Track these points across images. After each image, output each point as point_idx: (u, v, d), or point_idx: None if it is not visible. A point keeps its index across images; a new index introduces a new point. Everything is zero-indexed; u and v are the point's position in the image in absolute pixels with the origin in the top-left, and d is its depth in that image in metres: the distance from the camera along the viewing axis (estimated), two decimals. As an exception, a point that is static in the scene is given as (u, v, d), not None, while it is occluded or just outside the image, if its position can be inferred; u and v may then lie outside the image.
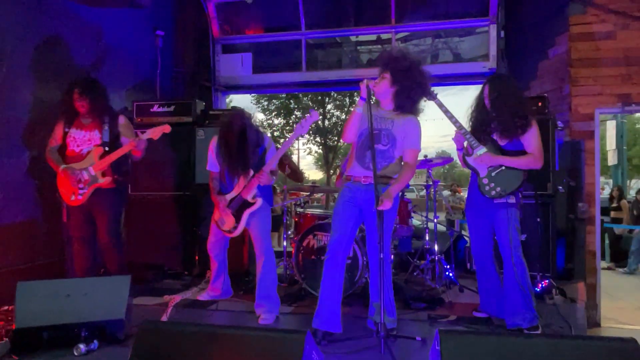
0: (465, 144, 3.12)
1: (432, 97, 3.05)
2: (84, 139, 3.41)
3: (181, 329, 1.92)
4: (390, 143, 2.88)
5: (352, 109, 2.90)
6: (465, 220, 3.53)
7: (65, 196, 3.37)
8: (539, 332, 2.93)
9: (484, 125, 3.08)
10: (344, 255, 2.89)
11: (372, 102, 2.86)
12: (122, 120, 3.55)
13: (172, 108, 4.76)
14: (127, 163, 3.63)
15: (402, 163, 2.92)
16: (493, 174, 3.03)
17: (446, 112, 3.07)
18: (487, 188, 3.03)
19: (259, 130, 3.47)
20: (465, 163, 3.14)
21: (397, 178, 2.85)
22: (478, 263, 3.25)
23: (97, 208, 3.40)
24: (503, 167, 3.01)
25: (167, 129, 3.39)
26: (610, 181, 10.34)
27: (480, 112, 3.12)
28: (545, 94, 4.36)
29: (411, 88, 2.85)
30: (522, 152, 3.02)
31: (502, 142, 3.06)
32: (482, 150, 3.04)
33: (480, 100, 3.13)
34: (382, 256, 2.60)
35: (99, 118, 3.43)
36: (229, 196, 3.39)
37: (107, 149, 3.36)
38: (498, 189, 3.00)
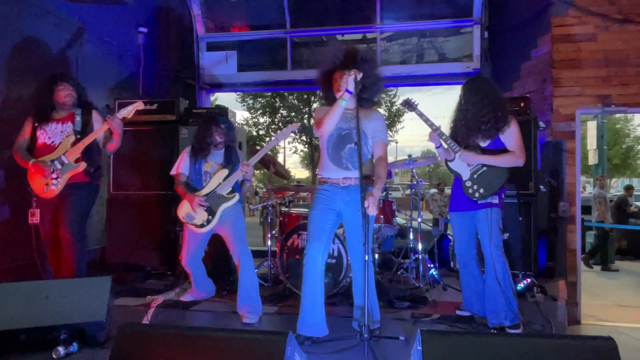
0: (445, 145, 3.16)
1: (413, 107, 3.18)
2: (56, 131, 3.31)
3: (160, 332, 1.89)
4: (362, 141, 2.81)
5: (336, 103, 2.78)
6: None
7: (37, 189, 3.22)
8: (520, 330, 2.96)
9: (463, 127, 3.11)
10: (322, 259, 2.84)
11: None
12: (95, 114, 3.46)
13: (155, 106, 4.71)
14: (100, 158, 3.47)
15: (375, 159, 2.89)
16: (475, 176, 3.07)
17: (426, 120, 3.16)
18: (470, 191, 3.06)
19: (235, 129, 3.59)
20: (449, 169, 3.19)
21: (376, 176, 2.81)
22: (461, 262, 3.28)
23: (64, 202, 3.24)
24: (484, 168, 3.05)
25: (140, 105, 3.36)
26: (591, 180, 10.50)
27: (459, 115, 3.16)
28: (528, 95, 4.42)
29: (377, 85, 2.92)
30: (503, 150, 3.06)
31: (483, 144, 3.09)
32: (461, 152, 3.08)
33: (459, 104, 3.19)
34: (367, 258, 2.58)
35: (75, 110, 3.35)
36: (204, 191, 3.38)
37: (79, 137, 3.28)
38: (481, 190, 3.03)
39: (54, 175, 3.19)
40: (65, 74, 3.47)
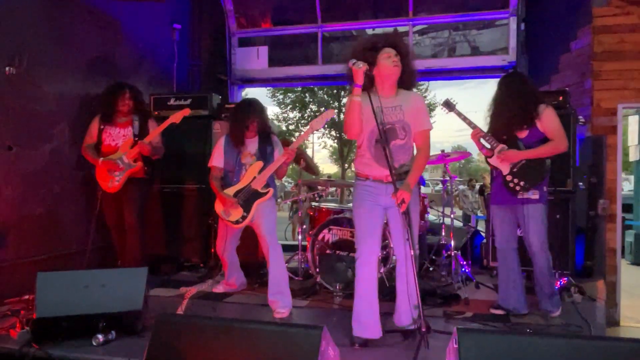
0: (487, 145, 3.21)
1: (451, 107, 3.27)
2: (119, 135, 3.79)
3: (198, 322, 1.93)
4: (407, 134, 2.70)
5: (349, 99, 2.61)
6: (482, 216, 3.54)
7: (103, 184, 3.68)
8: (558, 313, 3.19)
9: (498, 121, 3.16)
10: (376, 257, 2.76)
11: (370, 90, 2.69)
12: (150, 121, 3.94)
13: (188, 101, 4.78)
14: (154, 161, 3.91)
15: (417, 149, 2.73)
16: (515, 169, 3.10)
17: (465, 119, 3.25)
18: (511, 184, 3.10)
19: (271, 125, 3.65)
20: (489, 164, 3.25)
21: (412, 167, 2.67)
22: (501, 256, 3.27)
23: (126, 194, 3.71)
24: (524, 161, 3.07)
25: (186, 112, 3.78)
26: (631, 177, 10.09)
27: (495, 111, 3.21)
28: (567, 88, 4.27)
29: (412, 66, 2.76)
30: (544, 140, 3.10)
31: (521, 135, 3.12)
32: (502, 149, 3.12)
33: (494, 99, 3.24)
34: (412, 253, 2.55)
35: (133, 117, 3.83)
36: (232, 189, 3.39)
37: (136, 139, 3.73)
38: (522, 183, 3.07)
39: (117, 173, 3.66)
40: (126, 83, 3.89)
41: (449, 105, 3.28)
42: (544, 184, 3.09)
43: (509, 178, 3.10)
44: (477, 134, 3.17)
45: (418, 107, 2.72)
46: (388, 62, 2.62)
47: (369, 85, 2.67)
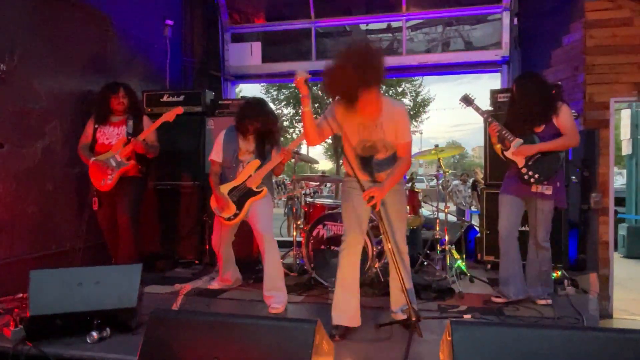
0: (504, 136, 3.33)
1: (470, 102, 3.41)
2: (113, 134, 3.79)
3: (192, 318, 1.93)
4: (389, 149, 2.76)
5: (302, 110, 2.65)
6: (476, 210, 3.58)
7: (96, 183, 3.70)
8: (550, 301, 3.31)
9: (517, 120, 3.29)
10: (359, 249, 2.81)
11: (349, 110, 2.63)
12: (145, 119, 3.94)
13: (181, 98, 4.77)
14: (149, 159, 3.91)
15: (398, 158, 2.76)
16: (530, 162, 3.24)
17: (482, 114, 3.40)
18: (526, 177, 3.22)
19: None
20: (504, 156, 3.34)
21: (391, 172, 2.72)
22: (504, 244, 3.35)
23: (120, 192, 3.72)
24: (539, 155, 3.21)
25: (179, 110, 3.80)
26: (624, 171, 10.16)
27: (512, 107, 3.35)
28: (559, 82, 4.30)
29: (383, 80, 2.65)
30: (557, 135, 3.23)
31: (538, 130, 3.25)
32: (518, 143, 3.24)
33: (511, 97, 3.40)
34: (391, 246, 2.61)
35: (128, 115, 3.84)
36: (227, 186, 3.39)
37: (130, 138, 3.73)
38: (537, 175, 3.20)
39: (109, 172, 3.66)
40: (119, 83, 3.88)
41: (467, 100, 3.43)
42: (558, 179, 3.21)
43: (523, 171, 3.22)
44: (494, 128, 3.29)
45: (397, 122, 2.68)
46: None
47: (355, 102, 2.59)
